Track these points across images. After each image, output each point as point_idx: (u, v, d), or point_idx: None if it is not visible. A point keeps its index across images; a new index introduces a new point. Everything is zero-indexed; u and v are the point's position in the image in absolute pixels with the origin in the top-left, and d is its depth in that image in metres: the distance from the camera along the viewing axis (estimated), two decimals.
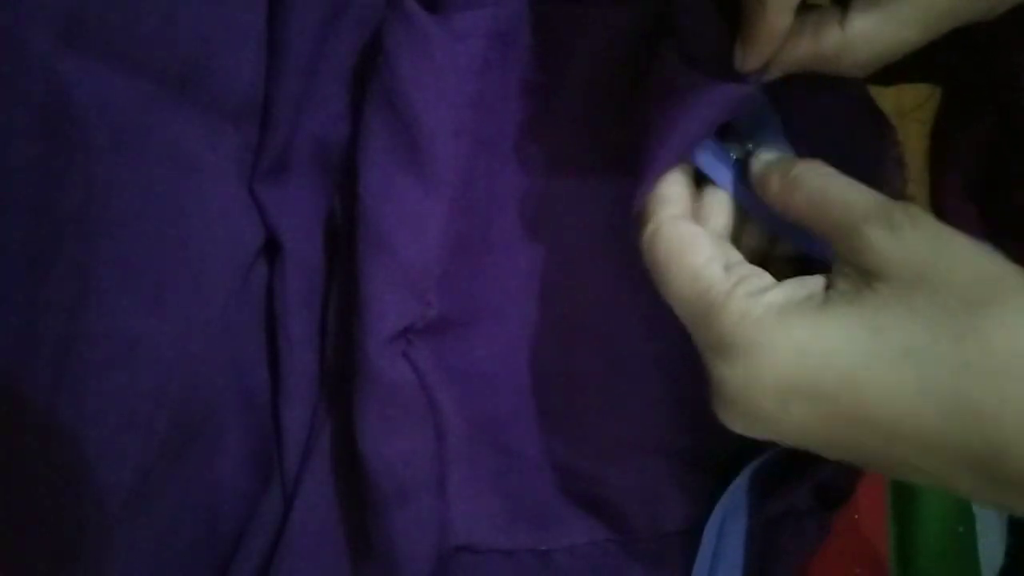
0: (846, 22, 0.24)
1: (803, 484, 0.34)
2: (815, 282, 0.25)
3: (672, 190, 0.28)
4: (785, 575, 0.35)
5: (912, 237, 0.23)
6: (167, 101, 0.28)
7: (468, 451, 0.35)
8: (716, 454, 0.36)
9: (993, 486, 0.22)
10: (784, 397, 0.23)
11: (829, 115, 0.31)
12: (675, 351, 0.34)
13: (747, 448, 0.35)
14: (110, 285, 0.27)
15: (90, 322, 0.27)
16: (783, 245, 0.29)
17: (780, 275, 0.26)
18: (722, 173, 0.29)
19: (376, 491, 0.32)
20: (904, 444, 0.22)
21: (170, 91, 0.28)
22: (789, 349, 0.23)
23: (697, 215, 0.29)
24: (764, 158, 0.28)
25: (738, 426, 0.25)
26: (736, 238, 0.29)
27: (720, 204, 0.29)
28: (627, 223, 0.29)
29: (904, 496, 0.47)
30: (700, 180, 0.29)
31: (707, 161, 0.29)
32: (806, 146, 0.29)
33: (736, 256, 0.27)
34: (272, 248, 0.33)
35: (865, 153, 0.29)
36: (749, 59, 0.26)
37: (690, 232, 0.27)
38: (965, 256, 0.22)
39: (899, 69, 0.26)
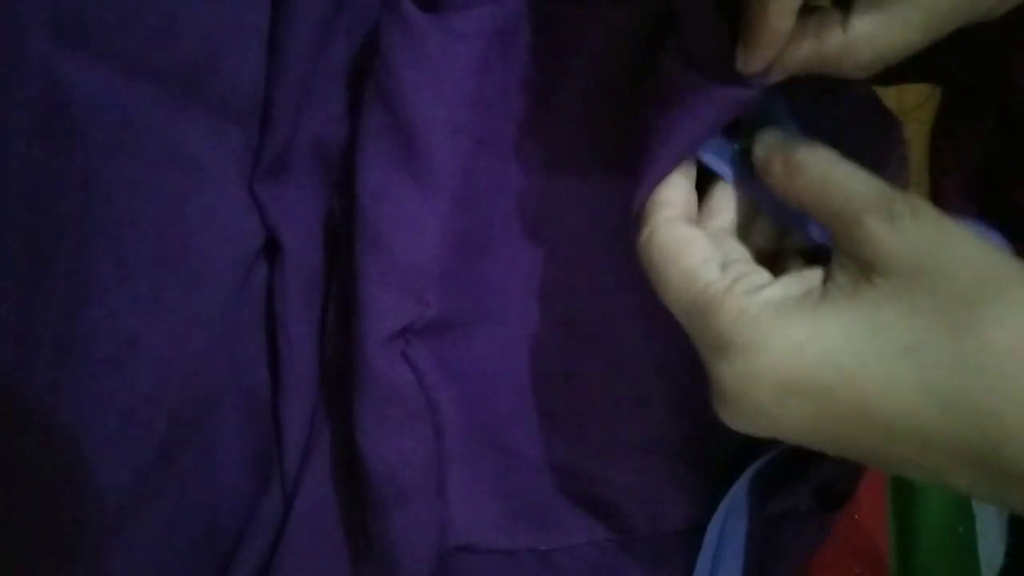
0: (848, 24, 0.24)
1: (804, 485, 0.34)
2: (813, 276, 0.25)
3: (669, 192, 0.28)
4: (785, 575, 0.35)
5: (912, 229, 0.23)
6: (169, 101, 0.28)
7: (468, 451, 0.35)
8: (716, 454, 0.36)
9: (991, 481, 0.22)
10: (782, 394, 0.23)
11: (834, 113, 0.31)
12: (675, 351, 0.34)
13: (747, 448, 0.35)
14: (109, 285, 0.27)
15: (89, 322, 0.27)
16: (793, 238, 0.29)
17: (790, 268, 0.26)
18: (725, 165, 0.29)
19: (376, 491, 0.32)
20: (902, 440, 0.23)
21: (172, 91, 0.28)
22: (786, 347, 0.23)
23: (703, 212, 0.28)
24: (767, 141, 0.27)
25: (738, 424, 0.25)
26: (746, 233, 0.29)
27: (726, 200, 0.29)
28: (627, 223, 0.29)
29: (904, 496, 0.47)
30: (710, 175, 0.29)
31: (710, 154, 0.29)
32: None
33: (736, 253, 0.27)
34: (272, 248, 0.33)
35: (871, 151, 0.28)
36: (751, 62, 0.26)
37: (685, 234, 0.27)
38: (965, 250, 0.22)
39: (900, 69, 0.26)
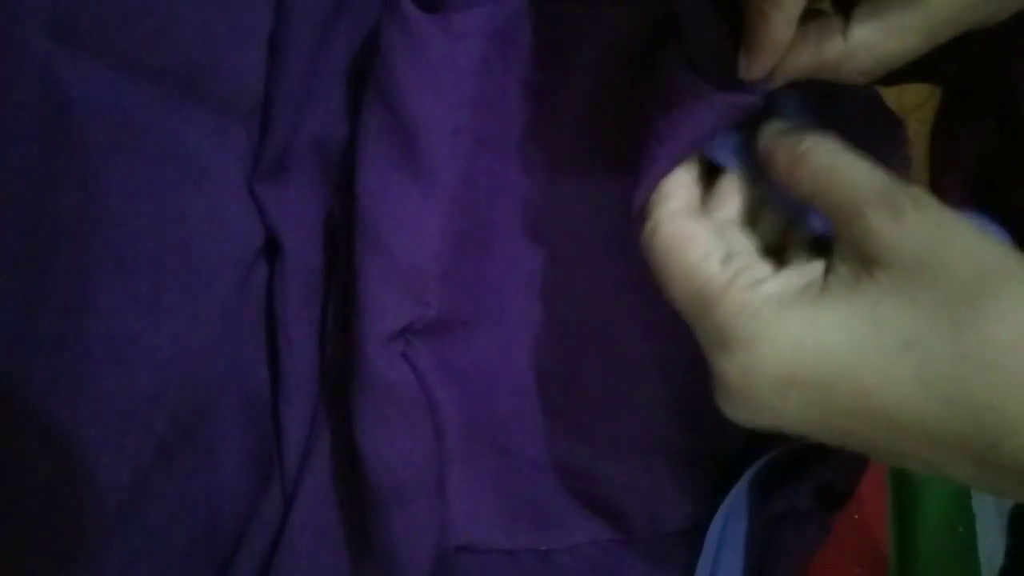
0: (848, 32, 0.24)
1: (803, 485, 0.34)
2: (814, 268, 0.25)
3: (672, 186, 0.28)
4: (785, 575, 0.35)
5: (914, 223, 0.23)
6: (169, 101, 0.28)
7: (468, 451, 0.35)
8: (716, 454, 0.36)
9: (991, 474, 0.22)
10: (783, 388, 0.24)
11: (837, 114, 0.31)
12: (675, 351, 0.34)
13: (747, 448, 0.35)
14: (109, 285, 0.27)
15: (88, 322, 0.27)
16: (801, 228, 0.29)
17: (794, 260, 0.26)
18: (731, 154, 0.28)
19: (376, 491, 0.32)
20: (902, 433, 0.23)
21: (172, 91, 0.28)
22: (787, 341, 0.23)
23: (710, 202, 0.28)
24: (772, 131, 0.27)
25: (740, 416, 0.25)
26: (753, 223, 0.29)
27: (732, 189, 0.29)
28: (627, 223, 0.29)
29: (904, 496, 0.47)
30: (719, 164, 0.29)
31: (716, 143, 0.28)
32: None
33: (740, 245, 0.27)
34: (272, 248, 0.33)
35: (874, 152, 0.28)
36: (753, 69, 0.26)
37: (687, 228, 0.27)
38: (967, 244, 0.22)
39: (900, 71, 0.26)
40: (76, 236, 0.26)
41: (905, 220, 0.23)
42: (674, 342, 0.34)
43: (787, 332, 0.23)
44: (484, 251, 0.34)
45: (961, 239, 0.23)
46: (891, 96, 0.35)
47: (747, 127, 0.28)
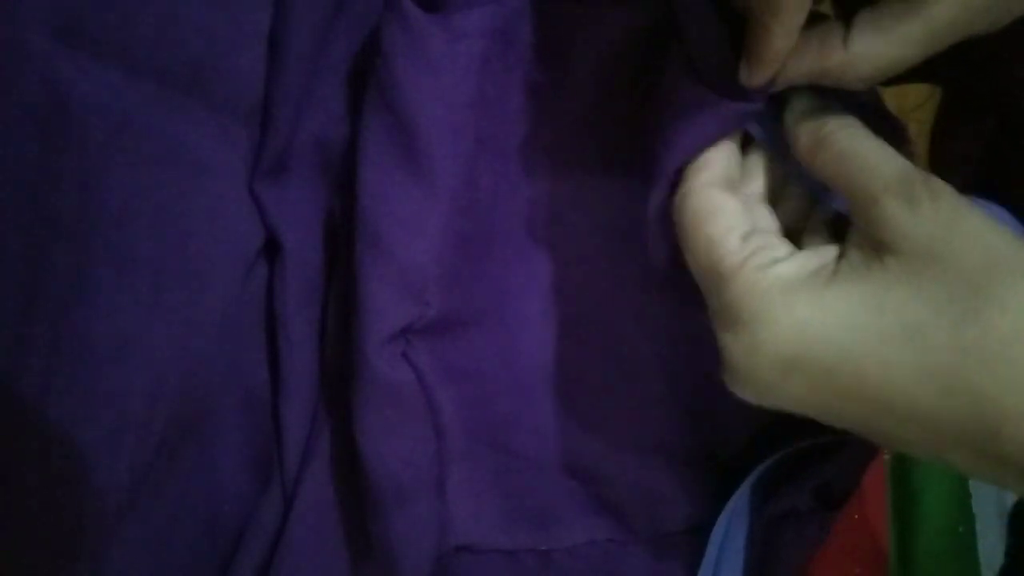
0: (849, 40, 0.25)
1: (804, 485, 0.34)
2: (828, 252, 0.25)
3: (710, 155, 0.28)
4: (786, 575, 0.35)
5: (929, 213, 0.23)
6: (170, 101, 0.28)
7: (468, 451, 0.35)
8: (716, 454, 0.36)
9: (990, 464, 0.22)
10: (785, 369, 0.24)
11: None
12: (676, 351, 0.34)
13: (749, 448, 0.35)
14: (108, 285, 0.27)
15: (87, 322, 0.26)
16: (823, 209, 0.29)
17: (813, 241, 0.26)
18: (757, 126, 0.28)
19: (375, 491, 0.32)
20: (901, 420, 0.23)
21: (172, 91, 0.28)
22: (790, 323, 0.24)
23: (738, 177, 0.28)
24: (798, 108, 0.27)
25: (745, 395, 0.26)
26: (777, 199, 0.29)
27: (758, 166, 0.29)
28: (627, 222, 0.29)
29: (904, 496, 0.47)
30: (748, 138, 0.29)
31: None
32: None
33: (764, 222, 0.27)
34: (272, 248, 0.33)
35: None
36: (755, 77, 0.26)
37: (714, 200, 0.26)
38: (978, 235, 0.22)
39: (901, 74, 0.26)
40: (75, 236, 0.26)
41: (920, 209, 0.23)
42: (675, 342, 0.34)
43: (792, 314, 0.24)
44: (484, 251, 0.34)
45: (974, 230, 0.23)
46: (891, 96, 0.35)
47: (774, 101, 0.28)
